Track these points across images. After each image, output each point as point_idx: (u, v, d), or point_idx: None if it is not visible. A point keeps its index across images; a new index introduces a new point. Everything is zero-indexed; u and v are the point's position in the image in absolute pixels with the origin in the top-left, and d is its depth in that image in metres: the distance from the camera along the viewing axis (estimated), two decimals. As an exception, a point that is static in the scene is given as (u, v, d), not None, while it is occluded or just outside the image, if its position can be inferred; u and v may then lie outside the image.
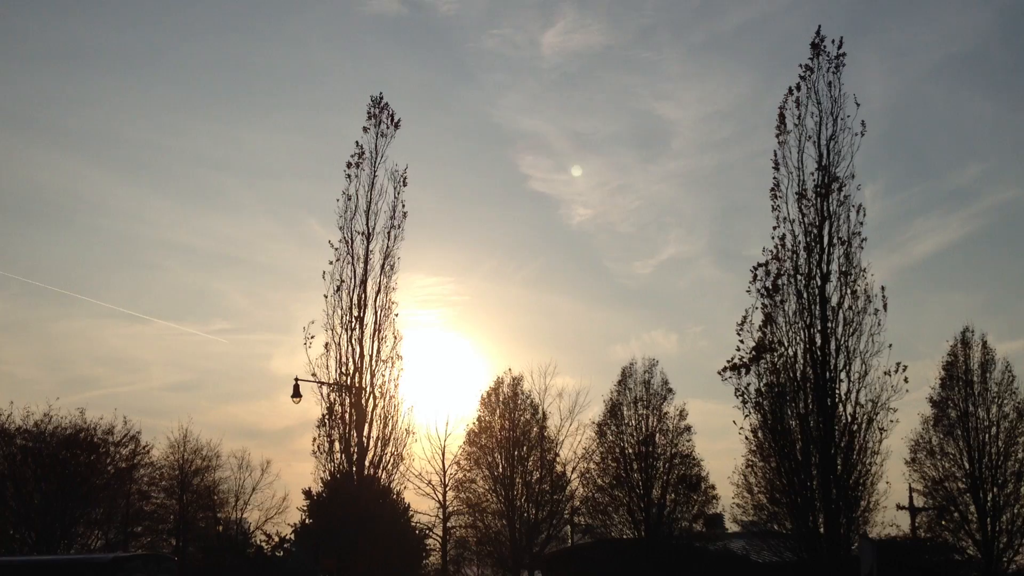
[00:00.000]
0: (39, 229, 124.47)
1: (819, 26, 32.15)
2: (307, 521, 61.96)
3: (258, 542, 64.48)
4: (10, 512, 56.90)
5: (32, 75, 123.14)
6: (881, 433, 29.98)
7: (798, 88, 31.76)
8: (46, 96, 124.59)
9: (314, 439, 37.35)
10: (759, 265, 31.15)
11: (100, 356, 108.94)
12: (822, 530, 30.38)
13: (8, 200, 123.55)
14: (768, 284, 30.83)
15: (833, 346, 30.06)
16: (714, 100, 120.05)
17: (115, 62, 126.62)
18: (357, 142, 38.97)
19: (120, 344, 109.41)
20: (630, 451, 50.44)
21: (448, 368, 74.98)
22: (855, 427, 29.82)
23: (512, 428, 55.19)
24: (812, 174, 31.16)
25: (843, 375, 29.97)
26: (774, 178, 31.59)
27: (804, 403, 30.36)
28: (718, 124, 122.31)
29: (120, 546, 62.33)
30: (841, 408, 29.93)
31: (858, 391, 29.87)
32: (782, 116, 31.78)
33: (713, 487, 50.83)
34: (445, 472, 58.02)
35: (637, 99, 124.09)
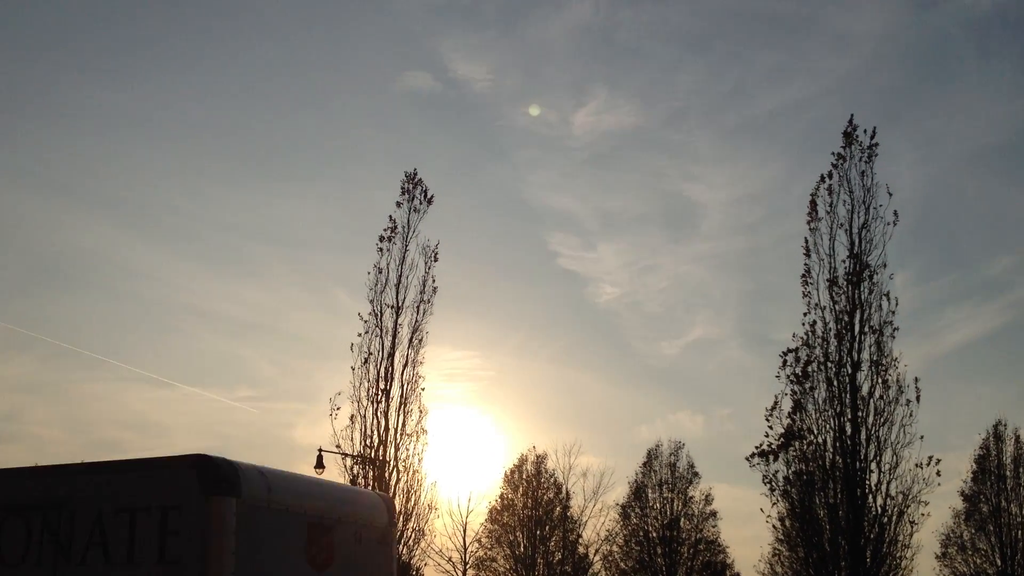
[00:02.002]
0: (68, 291, 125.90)
1: (851, 115, 32.29)
2: (325, 594, 61.23)
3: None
4: None
5: (66, 139, 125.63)
6: (912, 526, 29.41)
7: (830, 176, 31.85)
8: (79, 160, 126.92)
9: (336, 511, 37.09)
10: (789, 351, 30.95)
11: (125, 419, 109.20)
12: (850, 624, 29.67)
13: (39, 261, 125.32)
14: (798, 370, 30.59)
15: (864, 436, 29.66)
16: (744, 183, 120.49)
17: (150, 129, 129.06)
18: (390, 216, 39.33)
19: (145, 408, 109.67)
20: (654, 535, 49.77)
21: (471, 443, 74.47)
22: (885, 519, 29.27)
23: (535, 507, 54.61)
24: (843, 261, 31.09)
25: (873, 465, 29.50)
26: (805, 264, 31.54)
27: (833, 493, 29.89)
28: (748, 207, 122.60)
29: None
30: (871, 499, 29.42)
31: (889, 483, 29.37)
32: (814, 203, 31.83)
33: (739, 575, 50.00)
34: (466, 549, 57.28)
35: (667, 180, 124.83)
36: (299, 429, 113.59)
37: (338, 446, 37.30)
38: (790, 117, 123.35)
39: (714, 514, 49.81)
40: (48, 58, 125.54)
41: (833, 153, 31.96)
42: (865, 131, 31.77)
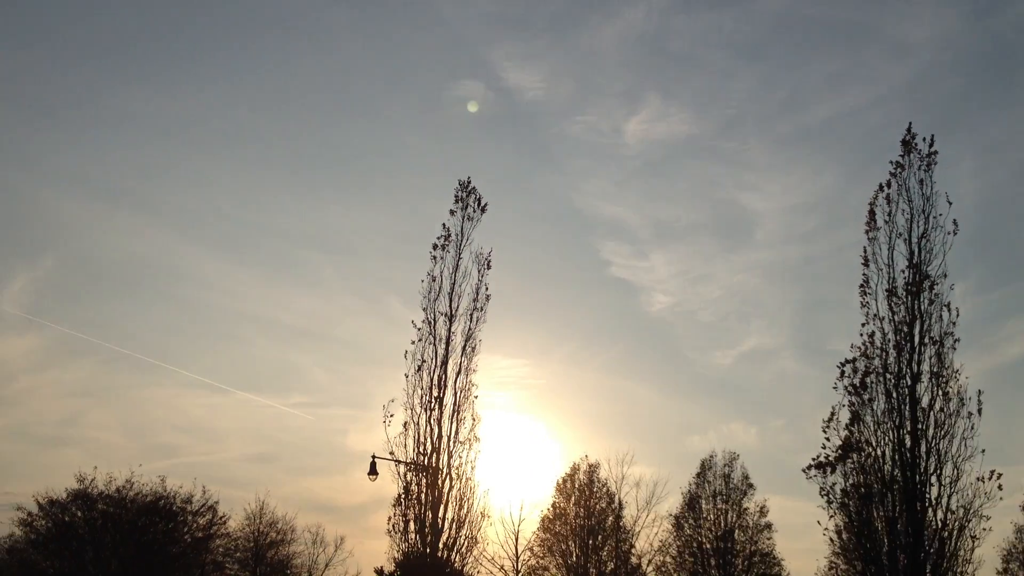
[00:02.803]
0: (128, 297, 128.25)
1: (910, 123, 31.86)
2: (377, 601, 61.59)
3: (328, 619, 64.27)
4: (88, 576, 57.68)
5: (123, 148, 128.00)
6: (973, 541, 28.84)
7: (888, 185, 31.45)
8: (142, 169, 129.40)
9: (389, 518, 37.31)
10: (847, 361, 30.59)
11: (181, 425, 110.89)
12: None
13: (100, 268, 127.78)
14: (856, 381, 30.21)
15: (923, 448, 29.18)
16: (799, 192, 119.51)
17: (206, 138, 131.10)
18: (444, 224, 39.55)
19: (201, 414, 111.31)
20: (708, 546, 49.38)
21: (523, 451, 74.53)
22: (946, 534, 28.74)
23: (587, 516, 54.44)
24: (903, 272, 30.65)
25: (934, 479, 29.02)
26: (863, 274, 31.16)
27: (892, 506, 29.43)
28: (803, 216, 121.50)
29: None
30: (931, 513, 28.92)
31: (949, 496, 28.86)
32: (872, 212, 31.46)
33: (794, 588, 49.43)
34: (518, 558, 57.25)
35: (720, 189, 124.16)
36: (352, 435, 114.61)
37: (391, 453, 37.53)
38: (846, 125, 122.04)
39: (769, 526, 49.40)
40: (107, 68, 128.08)
41: (891, 162, 31.61)
42: (924, 139, 31.40)
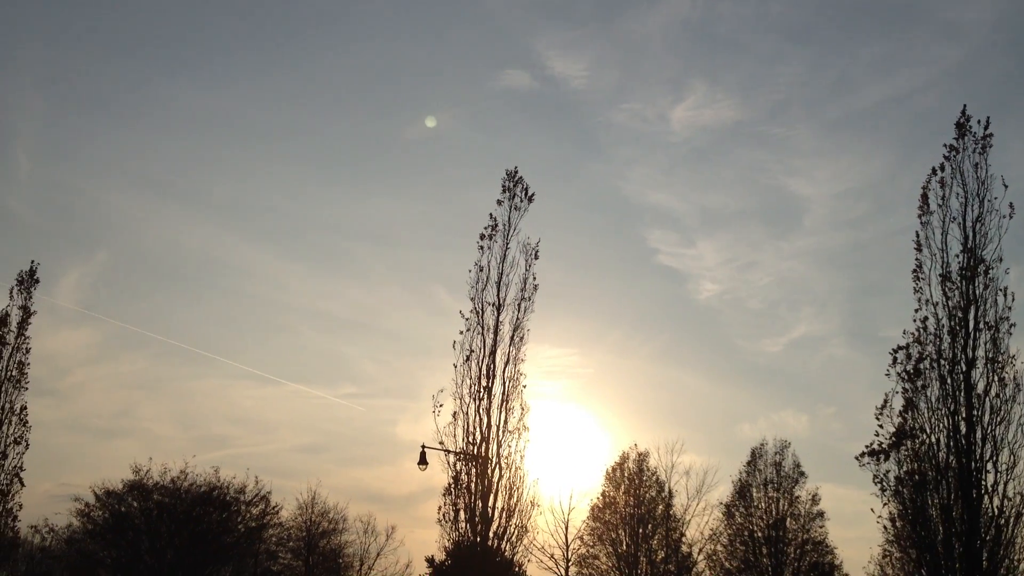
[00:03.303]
0: (178, 291, 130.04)
1: (964, 106, 31.32)
2: (429, 589, 61.97)
3: (381, 608, 64.80)
4: (144, 567, 58.63)
5: (176, 142, 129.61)
6: (1031, 529, 28.41)
7: (942, 168, 30.97)
8: (189, 163, 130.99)
9: (439, 507, 37.57)
10: (899, 348, 30.20)
11: (233, 416, 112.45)
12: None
13: (151, 261, 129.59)
14: (909, 368, 29.83)
15: (979, 435, 28.77)
16: (849, 177, 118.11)
17: (255, 133, 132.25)
18: (491, 214, 39.63)
19: (252, 405, 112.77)
20: (759, 535, 49.11)
21: (571, 440, 74.50)
22: (1002, 521, 28.34)
23: (637, 505, 54.36)
24: (956, 256, 30.16)
25: (990, 466, 28.59)
26: (916, 259, 30.72)
27: (947, 493, 29.06)
28: (853, 202, 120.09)
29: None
30: (987, 500, 28.51)
31: (1006, 483, 28.39)
32: (925, 196, 30.99)
33: (848, 576, 49.03)
34: (568, 547, 57.33)
35: (768, 175, 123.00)
36: (401, 426, 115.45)
37: (441, 443, 37.76)
38: (896, 109, 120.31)
39: (821, 514, 49.05)
40: (153, 62, 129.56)
41: (945, 145, 31.11)
42: (979, 121, 30.85)
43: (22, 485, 50.78)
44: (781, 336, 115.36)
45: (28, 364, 51.91)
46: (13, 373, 51.96)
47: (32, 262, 53.41)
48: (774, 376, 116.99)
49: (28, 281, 54.31)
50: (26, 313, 53.41)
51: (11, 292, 53.21)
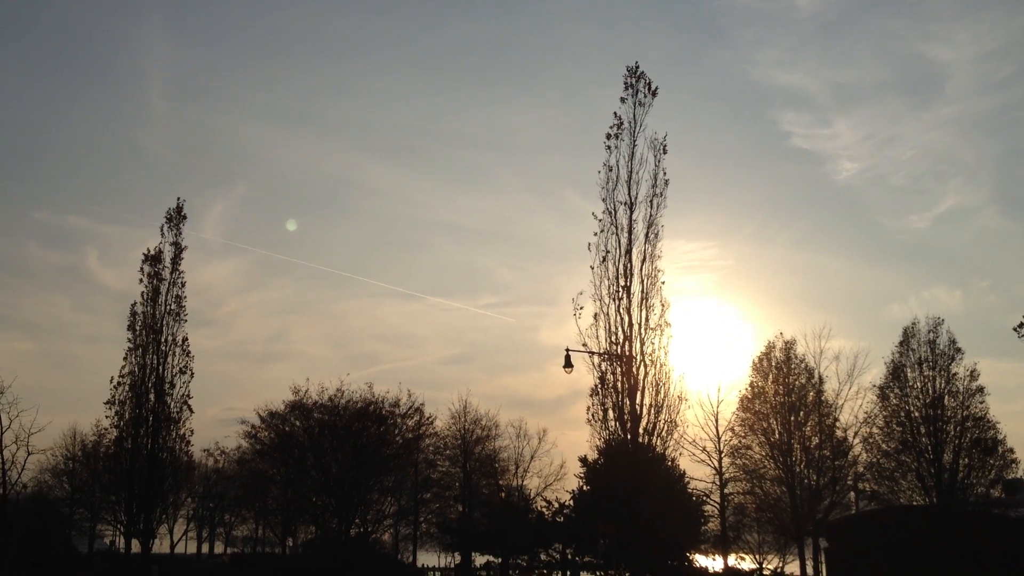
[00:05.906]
0: (317, 216, 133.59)
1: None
2: (584, 488, 63.22)
3: (539, 508, 66.57)
4: (311, 481, 61.62)
5: (300, 71, 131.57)
6: None
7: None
8: (315, 90, 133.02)
9: (588, 408, 38.05)
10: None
11: (380, 333, 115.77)
12: None
13: (288, 189, 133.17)
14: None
15: None
16: (992, 37, 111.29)
17: (372, 52, 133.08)
18: (615, 113, 39.10)
19: (397, 321, 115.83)
20: (916, 415, 48.06)
21: (715, 333, 73.97)
22: None
23: (787, 393, 53.75)
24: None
25: None
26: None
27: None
28: (998, 63, 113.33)
29: (411, 512, 66.04)
30: None
31: None
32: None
33: (1012, 451, 47.67)
34: (719, 439, 57.31)
35: (904, 43, 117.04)
36: (543, 332, 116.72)
37: (584, 345, 38.06)
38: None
39: (981, 389, 47.48)
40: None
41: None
42: None
43: (191, 412, 53.89)
44: (928, 211, 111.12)
45: (185, 297, 54.60)
46: (172, 307, 54.71)
47: (178, 199, 55.74)
48: (922, 253, 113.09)
49: (176, 218, 56.67)
50: (178, 249, 55.90)
51: (162, 229, 55.77)
